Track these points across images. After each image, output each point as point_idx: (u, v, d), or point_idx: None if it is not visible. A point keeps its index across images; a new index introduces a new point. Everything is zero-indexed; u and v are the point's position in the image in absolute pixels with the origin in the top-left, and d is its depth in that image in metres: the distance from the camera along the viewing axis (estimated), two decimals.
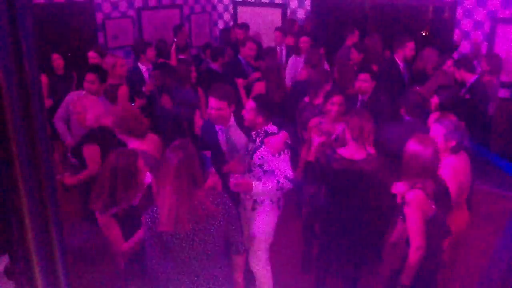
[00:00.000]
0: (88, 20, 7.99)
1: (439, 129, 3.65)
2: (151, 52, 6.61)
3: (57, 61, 6.44)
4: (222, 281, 2.93)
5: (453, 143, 3.62)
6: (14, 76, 0.55)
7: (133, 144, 3.76)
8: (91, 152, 3.99)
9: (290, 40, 7.80)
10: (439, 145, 3.54)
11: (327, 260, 4.05)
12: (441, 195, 3.15)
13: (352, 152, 3.73)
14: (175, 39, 7.72)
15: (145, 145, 3.72)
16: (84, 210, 3.99)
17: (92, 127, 4.14)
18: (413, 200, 3.06)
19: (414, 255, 3.07)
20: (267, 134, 3.87)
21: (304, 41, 7.18)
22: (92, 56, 6.46)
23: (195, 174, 2.73)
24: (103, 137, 4.05)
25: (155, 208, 2.72)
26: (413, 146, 3.11)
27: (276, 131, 3.88)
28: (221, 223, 2.81)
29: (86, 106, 4.19)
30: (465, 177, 3.71)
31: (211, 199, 2.78)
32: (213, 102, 3.95)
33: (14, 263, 1.26)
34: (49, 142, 0.64)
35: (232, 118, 4.06)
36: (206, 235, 2.76)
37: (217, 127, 4.11)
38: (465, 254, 4.26)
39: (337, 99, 4.52)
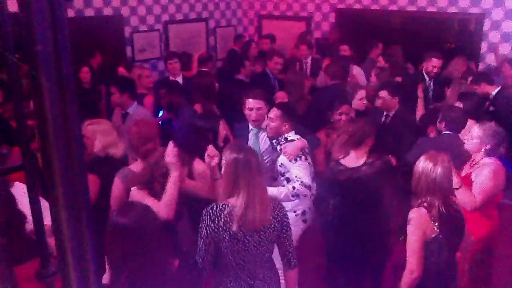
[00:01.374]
0: (116, 33, 8.18)
1: (477, 130, 3.74)
2: (171, 65, 6.65)
3: (85, 74, 6.58)
4: (273, 286, 2.98)
5: (488, 146, 3.68)
6: (54, 81, 0.60)
7: (132, 165, 3.70)
8: (89, 182, 3.83)
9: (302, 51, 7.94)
10: (474, 146, 3.71)
11: (340, 272, 4.05)
12: (451, 218, 3.00)
13: (353, 159, 3.75)
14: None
15: (138, 167, 3.61)
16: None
17: (97, 155, 3.99)
18: (415, 218, 2.96)
19: (407, 278, 2.96)
20: (286, 141, 3.92)
21: (344, 49, 7.48)
22: (122, 71, 6.66)
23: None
24: (108, 168, 3.86)
25: (224, 206, 2.76)
26: (423, 163, 3.02)
27: (296, 139, 3.92)
28: (276, 229, 2.86)
29: (96, 133, 4.02)
30: (500, 179, 3.71)
31: (271, 203, 2.88)
32: (251, 103, 4.10)
33: (44, 267, 1.32)
34: (82, 146, 0.69)
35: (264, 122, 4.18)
36: (262, 238, 2.82)
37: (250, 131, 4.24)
38: (491, 269, 4.17)
39: (344, 108, 4.61)
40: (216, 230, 2.74)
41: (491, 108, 5.50)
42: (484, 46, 7.75)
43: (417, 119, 5.43)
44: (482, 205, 3.56)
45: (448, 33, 8.58)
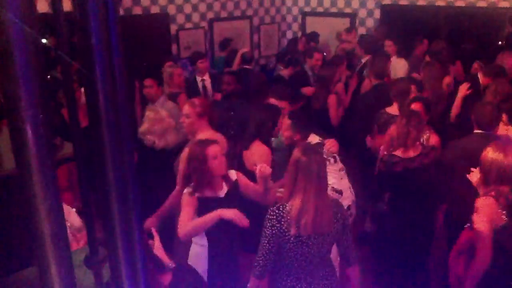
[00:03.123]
0: (162, 31, 8.34)
1: None
2: (201, 64, 6.70)
3: None
4: (331, 282, 2.99)
5: None
6: (108, 80, 0.64)
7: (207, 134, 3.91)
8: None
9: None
10: None
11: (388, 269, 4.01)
12: None
13: (408, 150, 3.73)
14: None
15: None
16: None
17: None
18: (483, 207, 2.99)
19: (477, 265, 2.99)
20: None
21: (389, 44, 7.34)
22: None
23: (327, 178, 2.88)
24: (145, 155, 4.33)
25: (283, 208, 2.77)
26: (493, 154, 3.05)
27: (320, 141, 3.88)
28: (338, 231, 2.87)
29: (145, 118, 4.45)
30: None
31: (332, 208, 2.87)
32: (277, 103, 4.26)
33: (93, 254, 1.38)
34: (132, 139, 0.73)
35: None
36: (325, 240, 2.83)
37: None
38: None
39: (416, 105, 4.41)
40: (281, 231, 2.74)
41: None
42: None
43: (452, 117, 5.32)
44: None
45: (499, 29, 8.27)
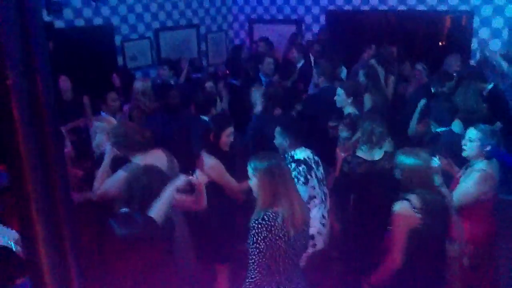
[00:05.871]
0: (107, 42, 8.13)
1: (475, 133, 3.61)
2: (162, 71, 6.89)
3: (64, 83, 6.13)
4: (303, 281, 3.00)
5: (488, 147, 3.56)
6: (26, 96, 0.56)
7: (136, 160, 3.58)
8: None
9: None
10: (474, 149, 3.59)
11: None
12: (435, 209, 3.07)
13: (372, 150, 3.80)
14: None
15: (148, 160, 3.48)
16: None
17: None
18: (398, 210, 3.05)
19: (388, 265, 3.07)
20: (293, 160, 3.76)
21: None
22: (115, 78, 6.64)
23: None
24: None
25: (275, 214, 2.70)
26: (411, 159, 3.10)
27: (303, 158, 3.77)
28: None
29: (96, 129, 4.20)
30: (488, 187, 3.59)
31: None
32: None
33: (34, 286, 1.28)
34: (63, 155, 0.65)
35: None
36: (306, 239, 2.91)
37: None
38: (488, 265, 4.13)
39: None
40: (273, 239, 2.67)
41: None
42: (474, 43, 7.78)
43: None
44: (460, 209, 3.45)
45: (439, 31, 8.58)
